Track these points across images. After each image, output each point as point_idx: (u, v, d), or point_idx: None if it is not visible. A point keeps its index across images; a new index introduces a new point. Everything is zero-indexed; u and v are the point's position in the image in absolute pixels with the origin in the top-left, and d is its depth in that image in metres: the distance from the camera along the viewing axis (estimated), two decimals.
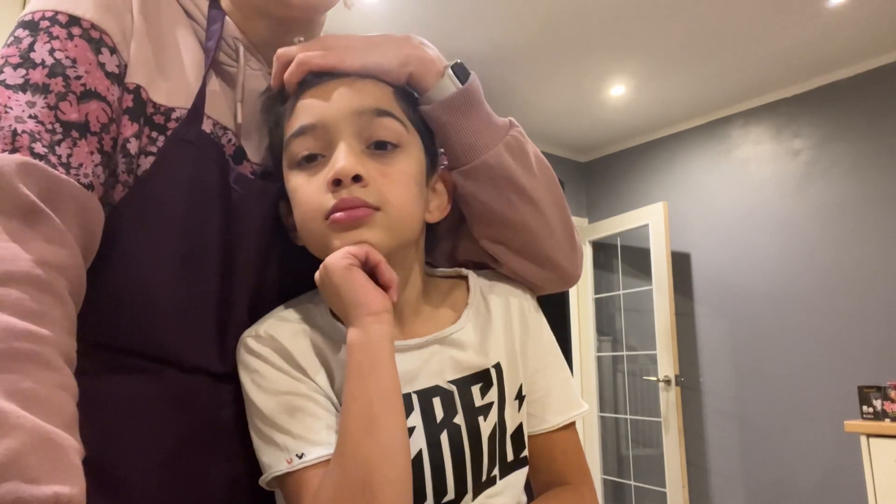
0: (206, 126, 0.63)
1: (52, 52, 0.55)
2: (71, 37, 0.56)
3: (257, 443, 0.59)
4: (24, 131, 0.51)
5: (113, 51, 0.58)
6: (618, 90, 3.76)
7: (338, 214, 0.57)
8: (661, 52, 3.35)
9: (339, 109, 0.60)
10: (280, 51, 0.64)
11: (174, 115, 0.61)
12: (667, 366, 3.74)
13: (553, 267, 0.70)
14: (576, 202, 4.58)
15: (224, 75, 0.68)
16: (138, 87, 0.60)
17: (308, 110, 0.61)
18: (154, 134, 0.61)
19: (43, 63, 0.54)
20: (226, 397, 0.62)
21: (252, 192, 0.65)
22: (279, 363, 0.60)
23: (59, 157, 0.52)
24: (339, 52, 0.62)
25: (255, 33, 0.68)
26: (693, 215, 4.05)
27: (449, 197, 0.68)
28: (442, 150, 0.69)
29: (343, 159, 0.57)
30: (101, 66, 0.57)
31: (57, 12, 0.56)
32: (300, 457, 0.55)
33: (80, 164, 0.53)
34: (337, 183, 0.57)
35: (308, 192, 0.60)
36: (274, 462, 0.57)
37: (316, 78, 0.62)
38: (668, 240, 3.82)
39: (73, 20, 0.56)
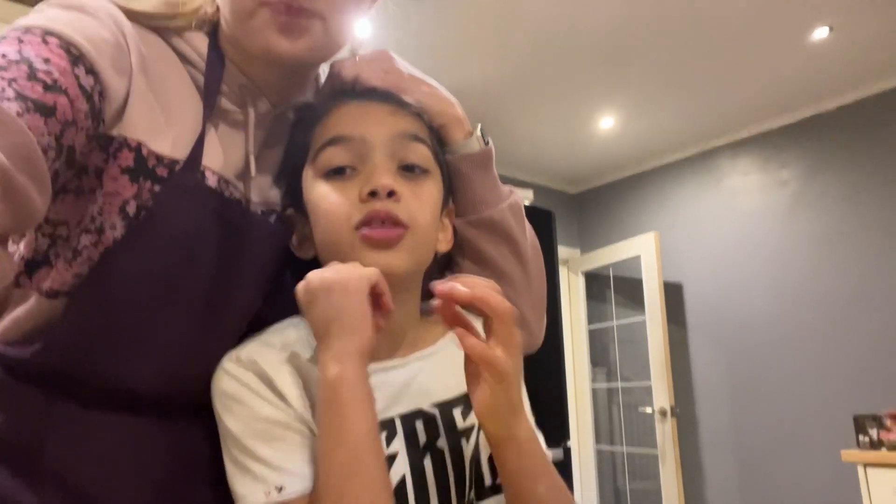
0: (212, 180, 0.62)
1: (19, 51, 0.49)
2: (45, 42, 0.51)
3: (231, 471, 0.57)
4: None
5: (90, 71, 0.53)
6: (607, 122, 3.82)
7: (371, 231, 0.58)
8: (647, 85, 3.42)
9: (378, 128, 0.62)
10: (338, 64, 0.68)
11: (178, 168, 0.60)
12: (662, 397, 3.72)
13: (524, 325, 0.73)
14: (568, 233, 4.61)
15: (230, 122, 0.66)
16: (140, 145, 0.58)
17: (347, 121, 0.62)
18: (157, 187, 0.58)
19: (4, 55, 0.48)
20: (207, 430, 0.62)
21: (262, 233, 0.65)
22: (259, 388, 0.58)
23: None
24: (398, 77, 0.68)
25: (258, 75, 0.67)
26: (684, 245, 4.08)
27: (451, 231, 0.71)
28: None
29: (381, 174, 0.59)
30: (76, 77, 0.51)
31: (30, 27, 0.52)
32: (279, 490, 0.53)
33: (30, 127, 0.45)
34: (372, 195, 0.58)
35: (336, 201, 0.60)
36: (249, 493, 0.54)
37: (360, 93, 0.66)
38: (660, 270, 3.84)
39: (49, 32, 0.52)
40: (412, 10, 2.67)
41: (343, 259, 0.59)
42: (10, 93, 0.45)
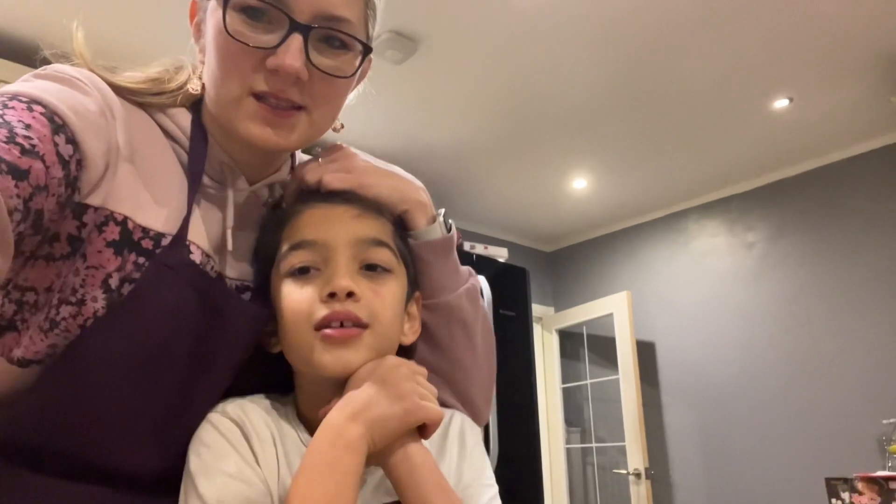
0: (196, 255, 0.63)
1: (3, 115, 0.50)
2: (30, 109, 0.52)
3: None
4: None
5: (71, 140, 0.54)
6: (580, 183, 3.92)
7: (331, 331, 0.59)
8: (619, 150, 3.53)
9: (341, 233, 0.64)
10: (302, 168, 0.69)
11: (164, 242, 0.60)
12: (636, 458, 3.68)
13: (470, 405, 0.74)
14: (542, 291, 4.64)
15: (209, 197, 0.67)
16: (126, 219, 0.59)
17: (312, 227, 0.64)
18: (141, 259, 0.59)
19: None
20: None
21: (239, 311, 0.65)
22: (236, 442, 0.58)
23: None
24: (359, 175, 0.70)
25: (238, 154, 0.68)
26: (656, 305, 4.13)
27: (420, 319, 0.72)
28: None
29: (340, 276, 0.61)
30: (55, 144, 0.52)
31: (18, 93, 0.54)
32: None
33: None
34: (331, 296, 0.60)
35: (298, 299, 0.61)
36: None
37: (325, 195, 0.67)
38: (632, 329, 3.87)
39: (36, 100, 0.54)
40: (390, 73, 2.75)
41: (304, 357, 0.61)
42: None
